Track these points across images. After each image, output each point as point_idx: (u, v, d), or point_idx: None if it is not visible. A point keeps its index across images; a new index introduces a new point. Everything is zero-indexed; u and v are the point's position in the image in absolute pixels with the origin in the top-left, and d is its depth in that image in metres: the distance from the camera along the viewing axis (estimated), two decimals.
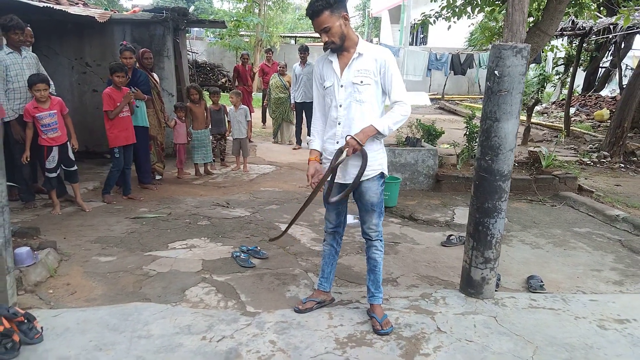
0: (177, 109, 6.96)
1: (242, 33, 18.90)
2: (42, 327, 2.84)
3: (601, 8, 10.32)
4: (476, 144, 6.90)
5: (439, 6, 7.39)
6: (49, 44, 7.41)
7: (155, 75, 6.67)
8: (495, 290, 3.56)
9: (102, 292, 3.48)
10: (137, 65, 6.34)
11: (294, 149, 9.38)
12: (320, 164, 3.13)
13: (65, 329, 2.92)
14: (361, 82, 2.89)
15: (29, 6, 5.93)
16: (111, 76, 5.51)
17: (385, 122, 2.88)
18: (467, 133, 6.99)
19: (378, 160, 3.00)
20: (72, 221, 4.94)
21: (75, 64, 7.71)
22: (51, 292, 3.45)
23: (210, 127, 7.34)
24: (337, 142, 3.00)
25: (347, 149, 2.85)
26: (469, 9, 7.23)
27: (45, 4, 6.16)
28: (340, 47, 2.89)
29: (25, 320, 2.78)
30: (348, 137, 2.87)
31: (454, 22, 7.44)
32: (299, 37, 25.82)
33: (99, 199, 5.71)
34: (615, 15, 8.93)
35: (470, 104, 17.90)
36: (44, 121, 4.87)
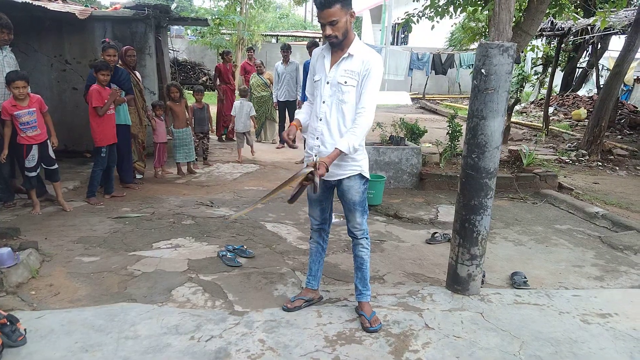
0: (155, 107, 6.87)
1: (223, 31, 18.75)
2: (25, 329, 2.78)
3: (579, 9, 10.52)
4: (458, 142, 7.03)
5: (422, 5, 7.43)
6: (27, 40, 7.26)
7: (137, 74, 6.58)
8: (481, 287, 3.60)
9: (87, 293, 3.42)
10: (120, 62, 6.26)
11: (278, 147, 9.36)
12: (299, 131, 3.11)
13: (49, 330, 2.87)
14: (345, 82, 2.88)
15: (6, 2, 5.79)
16: (96, 74, 5.41)
17: (349, 142, 2.81)
18: (450, 132, 7.06)
19: (357, 161, 2.99)
20: (53, 221, 4.85)
21: (54, 61, 7.56)
22: (33, 293, 3.38)
23: (192, 125, 7.27)
24: (317, 138, 2.99)
25: (317, 174, 2.76)
26: (451, 8, 7.30)
27: (24, 0, 6.02)
28: (340, 43, 2.88)
29: (8, 323, 2.71)
30: (319, 163, 2.79)
31: (437, 21, 7.50)
32: (281, 35, 25.75)
33: (80, 199, 5.62)
34: (593, 16, 9.11)
35: (450, 104, 18.07)
36: (23, 119, 4.77)
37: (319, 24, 2.96)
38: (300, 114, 3.18)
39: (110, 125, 5.53)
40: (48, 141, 5.04)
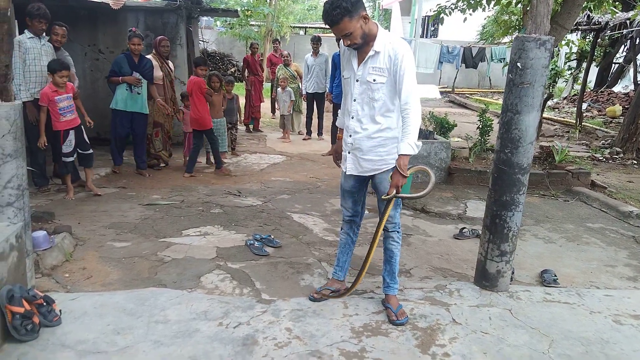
0: (184, 98, 6.96)
1: (252, 23, 18.83)
2: (60, 310, 2.86)
3: (617, 2, 10.19)
4: (489, 137, 6.92)
5: None
6: None
7: (170, 64, 6.68)
8: (510, 284, 3.55)
9: (118, 277, 3.50)
10: (154, 52, 6.38)
11: (304, 139, 9.37)
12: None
13: (82, 312, 2.95)
14: (374, 80, 2.85)
15: None
16: (195, 69, 6.40)
17: (409, 143, 2.75)
18: (480, 126, 6.96)
19: (392, 154, 2.96)
20: (85, 207, 4.97)
21: (88, 50, 7.71)
22: (67, 276, 3.48)
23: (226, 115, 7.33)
24: (350, 135, 3.00)
25: (391, 189, 2.83)
26: (484, 1, 7.16)
27: None
28: (362, 45, 2.85)
29: (45, 303, 2.80)
30: (392, 177, 2.82)
31: (470, 14, 7.37)
32: (309, 27, 25.70)
33: (112, 185, 5.75)
34: (632, 10, 8.82)
35: (480, 98, 17.80)
36: (62, 104, 4.95)
37: None
38: (340, 119, 3.27)
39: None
40: (82, 126, 5.17)
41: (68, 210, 4.80)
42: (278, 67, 9.88)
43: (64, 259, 3.70)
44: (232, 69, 19.02)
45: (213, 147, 6.66)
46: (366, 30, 2.80)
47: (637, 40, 13.53)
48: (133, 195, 5.47)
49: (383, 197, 2.84)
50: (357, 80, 2.93)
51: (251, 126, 10.05)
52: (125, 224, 4.53)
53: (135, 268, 3.65)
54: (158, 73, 6.40)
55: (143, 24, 7.71)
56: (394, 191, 2.81)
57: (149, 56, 6.39)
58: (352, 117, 2.98)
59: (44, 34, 5.19)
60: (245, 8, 17.21)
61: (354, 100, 2.96)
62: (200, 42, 11.68)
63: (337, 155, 3.33)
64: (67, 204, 5.00)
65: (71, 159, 5.15)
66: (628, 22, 10.82)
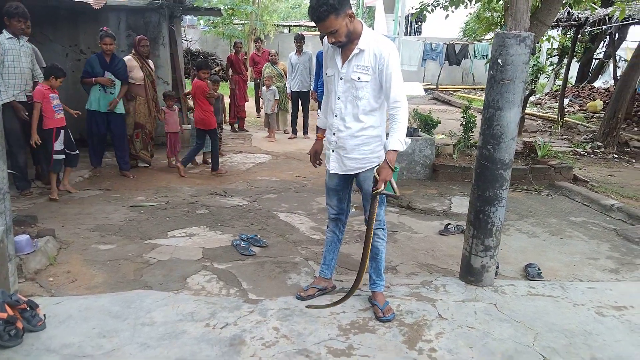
0: (166, 97, 6.94)
1: (236, 22, 18.74)
2: (44, 315, 2.83)
3: None
4: (472, 134, 6.98)
5: None
6: (42, 30, 7.30)
7: (151, 63, 6.62)
8: (495, 278, 3.60)
9: (103, 280, 3.47)
10: (133, 52, 6.32)
11: (290, 138, 9.36)
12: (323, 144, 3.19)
13: (67, 316, 2.92)
14: (358, 78, 2.86)
15: None
16: (197, 72, 6.56)
17: (399, 139, 2.76)
18: (464, 123, 7.01)
19: (376, 153, 2.99)
20: (69, 209, 4.91)
21: (69, 51, 7.62)
22: (51, 279, 3.44)
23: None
24: (334, 134, 3.00)
25: (380, 184, 2.78)
26: None
27: None
28: (346, 43, 2.85)
29: (28, 308, 2.76)
30: (381, 171, 2.78)
31: (452, 11, 7.42)
32: (293, 25, 25.67)
33: (95, 187, 5.69)
34: (611, 6, 8.95)
35: (464, 95, 17.93)
36: (55, 102, 5.10)
37: None
38: (320, 119, 3.26)
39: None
40: (67, 128, 5.30)
41: (51, 214, 4.74)
42: (265, 65, 9.85)
43: (48, 262, 3.66)
44: (217, 68, 18.91)
45: (213, 148, 6.70)
46: (351, 29, 2.80)
47: (616, 36, 13.72)
48: (117, 197, 5.42)
49: (374, 192, 2.82)
50: (341, 78, 2.93)
51: (236, 126, 10.01)
52: (109, 226, 4.49)
53: (121, 270, 3.62)
54: (139, 74, 6.36)
55: (125, 24, 7.64)
56: (383, 185, 2.79)
57: (128, 56, 6.36)
58: (336, 115, 2.99)
59: (23, 35, 5.11)
60: (229, 7, 17.12)
61: (338, 98, 2.96)
62: (184, 41, 11.58)
63: (315, 155, 3.29)
64: (51, 207, 4.94)
65: (62, 156, 5.22)
66: (607, 18, 10.97)
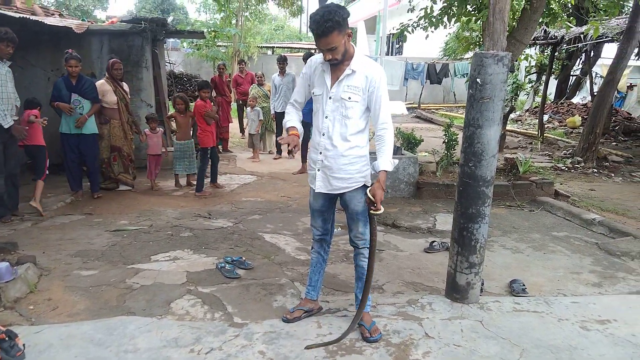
0: (148, 120, 6.95)
1: (219, 44, 18.84)
2: (24, 345, 2.76)
3: (571, 18, 10.63)
4: (455, 151, 7.07)
5: (417, 16, 7.50)
6: (24, 55, 7.26)
7: (125, 86, 6.62)
8: (480, 295, 3.61)
9: (85, 307, 3.41)
10: (106, 76, 6.35)
11: (275, 158, 9.37)
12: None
13: (48, 345, 2.86)
14: (349, 98, 2.91)
15: (3, 17, 5.83)
16: (198, 92, 6.84)
17: (388, 159, 2.87)
18: (446, 141, 7.09)
19: (362, 172, 3.03)
20: (50, 235, 4.84)
21: (51, 75, 7.58)
22: (32, 308, 3.37)
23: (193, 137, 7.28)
24: (321, 153, 3.02)
25: (376, 205, 2.85)
26: (445, 18, 7.36)
27: (21, 15, 6.07)
28: (338, 63, 2.90)
29: (7, 338, 2.70)
30: (375, 192, 2.84)
31: (432, 31, 7.56)
32: (276, 47, 25.89)
33: (77, 212, 5.63)
34: (585, 24, 9.21)
35: (446, 113, 18.17)
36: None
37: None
38: (294, 122, 3.11)
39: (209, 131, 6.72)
40: None
41: (32, 240, 4.67)
42: (252, 86, 9.92)
43: (28, 290, 3.58)
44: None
45: (213, 164, 6.99)
46: (347, 48, 2.87)
47: (592, 54, 14.08)
48: (100, 221, 5.36)
49: (373, 213, 2.88)
50: (329, 98, 2.96)
51: (220, 147, 9.99)
52: (92, 252, 4.43)
53: (103, 297, 3.56)
54: (112, 97, 6.36)
55: (107, 47, 7.65)
56: (380, 206, 2.86)
57: (102, 80, 6.37)
58: (323, 134, 3.00)
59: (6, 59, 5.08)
60: (212, 29, 17.24)
61: (326, 117, 2.98)
62: (167, 63, 11.63)
63: (292, 143, 3.02)
64: (31, 233, 4.87)
65: None
66: (582, 36, 11.28)
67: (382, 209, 2.88)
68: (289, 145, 2.99)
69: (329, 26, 2.71)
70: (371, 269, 3.00)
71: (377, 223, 3.09)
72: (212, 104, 7.11)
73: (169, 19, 26.72)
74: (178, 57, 20.76)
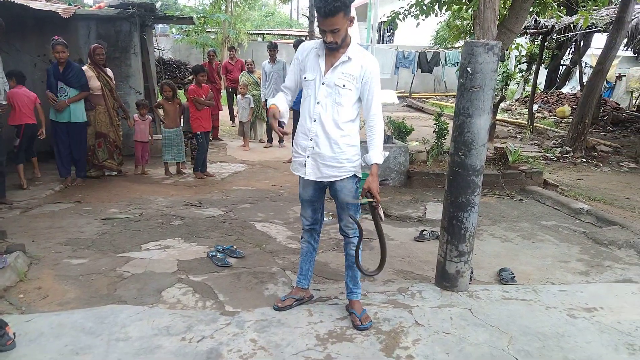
0: (138, 107, 6.91)
1: (208, 30, 18.66)
2: (14, 333, 2.75)
3: (562, 7, 10.66)
4: (445, 140, 7.09)
5: (408, 4, 7.47)
6: (9, 40, 7.15)
7: (109, 71, 6.54)
8: (469, 283, 3.65)
9: (76, 296, 3.39)
10: (89, 62, 6.28)
11: (265, 147, 9.35)
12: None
13: (39, 334, 2.85)
14: (343, 85, 2.90)
15: None
16: (195, 76, 6.88)
17: (379, 151, 2.91)
18: (437, 130, 7.11)
19: (353, 162, 3.02)
20: (40, 223, 4.80)
21: (37, 61, 7.47)
22: (22, 296, 3.35)
23: (182, 125, 7.22)
24: (311, 139, 3.00)
25: (376, 196, 2.88)
26: (436, 7, 7.34)
27: None
28: (335, 48, 2.89)
29: None
30: (371, 185, 2.86)
31: (422, 19, 7.54)
32: (267, 34, 25.70)
33: (67, 200, 5.58)
34: (576, 14, 9.24)
35: (437, 102, 18.20)
36: None
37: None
38: (280, 103, 3.06)
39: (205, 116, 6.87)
40: None
41: (21, 228, 4.63)
42: (242, 73, 9.83)
43: (18, 279, 3.56)
44: (190, 77, 18.76)
45: (198, 151, 7.02)
46: (347, 33, 2.87)
47: (582, 43, 14.14)
48: (89, 209, 5.32)
49: (373, 204, 2.91)
50: (323, 83, 2.94)
51: (210, 135, 9.93)
52: (82, 240, 4.40)
53: (94, 285, 3.55)
54: (95, 83, 6.30)
55: (95, 33, 7.54)
56: (379, 197, 2.89)
57: (85, 66, 6.29)
58: (314, 120, 2.97)
59: None
60: (201, 15, 17.05)
61: (318, 103, 2.95)
62: (156, 50, 11.47)
63: (274, 118, 3.01)
64: (20, 222, 4.82)
65: None
66: (572, 25, 11.31)
67: (380, 199, 2.91)
68: (275, 119, 2.97)
69: (337, 6, 2.69)
70: (384, 252, 3.07)
71: (368, 212, 3.10)
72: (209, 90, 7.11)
73: (158, 4, 26.37)
74: (167, 43, 20.54)
